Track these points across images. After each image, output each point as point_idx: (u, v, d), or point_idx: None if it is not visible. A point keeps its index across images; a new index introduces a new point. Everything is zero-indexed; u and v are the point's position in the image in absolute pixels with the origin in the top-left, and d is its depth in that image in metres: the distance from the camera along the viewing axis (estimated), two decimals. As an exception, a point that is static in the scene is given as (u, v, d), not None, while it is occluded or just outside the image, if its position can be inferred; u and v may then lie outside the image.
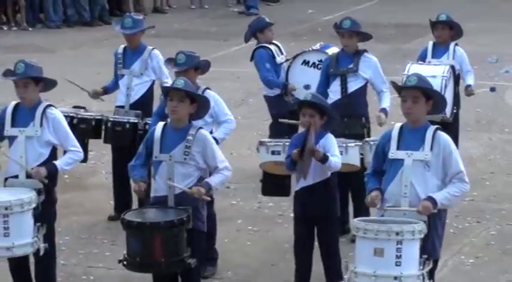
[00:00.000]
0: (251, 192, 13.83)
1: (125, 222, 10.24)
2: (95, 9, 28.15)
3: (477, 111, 17.35)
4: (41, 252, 10.54)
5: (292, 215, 12.16)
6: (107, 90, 14.22)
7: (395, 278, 9.60)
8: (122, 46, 14.25)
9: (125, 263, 10.31)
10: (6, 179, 10.84)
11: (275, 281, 12.29)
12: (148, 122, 13.39)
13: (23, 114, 10.83)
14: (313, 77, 13.98)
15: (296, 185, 11.66)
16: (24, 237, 10.44)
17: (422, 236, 9.64)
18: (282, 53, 15.32)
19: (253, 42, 15.65)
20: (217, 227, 12.56)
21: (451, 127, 14.15)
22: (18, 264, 10.86)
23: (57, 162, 10.78)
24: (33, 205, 10.42)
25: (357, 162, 12.17)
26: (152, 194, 10.61)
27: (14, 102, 10.91)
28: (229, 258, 12.70)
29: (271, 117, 15.37)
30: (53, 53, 22.98)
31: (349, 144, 12.19)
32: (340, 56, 13.64)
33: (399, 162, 9.90)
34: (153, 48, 14.15)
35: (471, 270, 12.60)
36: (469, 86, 15.15)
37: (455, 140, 14.28)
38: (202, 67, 12.31)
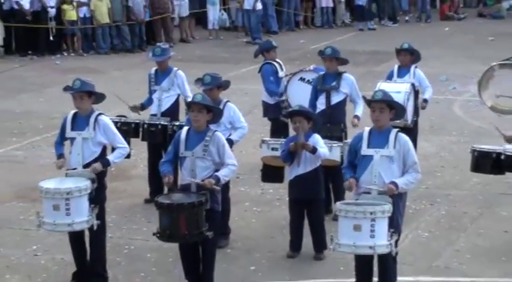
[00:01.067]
0: (255, 181, 13.87)
1: (157, 203, 10.38)
2: (135, 40, 28.08)
3: (431, 119, 17.40)
4: (94, 228, 10.63)
5: (287, 198, 12.27)
6: (143, 106, 14.29)
7: (370, 247, 9.73)
8: (154, 68, 14.37)
9: (157, 235, 10.40)
10: (67, 170, 10.91)
11: (274, 250, 12.24)
12: (176, 124, 13.60)
13: (80, 121, 10.89)
14: (307, 91, 14.01)
15: (290, 174, 11.88)
16: (81, 216, 10.51)
17: (389, 214, 9.74)
18: (282, 70, 15.41)
19: (257, 66, 15.65)
20: (231, 208, 12.61)
21: (412, 131, 14.24)
22: (76, 237, 10.92)
23: (110, 157, 10.90)
24: (88, 191, 10.52)
25: (338, 159, 12.33)
26: (179, 182, 10.72)
27: (72, 111, 10.98)
28: (238, 233, 12.77)
29: (269, 120, 15.50)
30: (102, 73, 22.97)
31: (333, 145, 12.44)
32: (325, 76, 13.72)
33: (369, 157, 10.03)
34: (178, 69, 14.26)
35: (426, 241, 12.67)
36: (425, 100, 15.16)
37: (415, 141, 14.46)
38: (225, 85, 12.39)
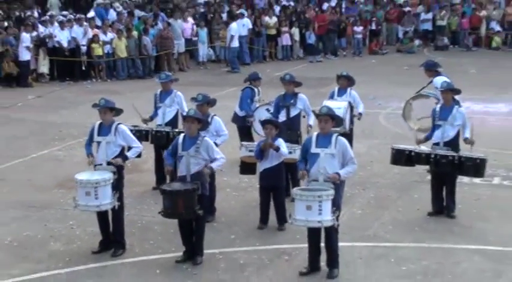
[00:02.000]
0: (234, 173, 13.80)
1: (161, 190, 10.57)
2: (145, 69, 28.02)
3: (363, 127, 17.35)
4: (116, 208, 10.84)
5: (258, 186, 12.23)
6: (152, 118, 14.24)
7: (319, 221, 9.82)
8: (159, 90, 14.31)
9: (161, 213, 10.53)
10: (95, 166, 11.06)
11: (248, 223, 12.24)
12: (176, 131, 13.63)
13: (104, 129, 11.02)
14: (267, 116, 14.06)
15: (260, 167, 11.93)
16: (106, 199, 10.71)
17: (332, 197, 9.78)
18: (259, 95, 15.45)
19: (235, 88, 15.60)
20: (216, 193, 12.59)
21: (349, 136, 14.27)
22: (102, 215, 11.03)
23: (128, 154, 11.09)
24: (111, 181, 10.71)
25: (298, 157, 12.26)
26: (178, 175, 10.72)
27: (98, 122, 11.13)
28: (222, 211, 12.75)
29: (236, 126, 15.52)
30: (121, 94, 22.82)
31: (295, 148, 12.42)
32: (285, 95, 13.77)
33: (317, 155, 10.08)
34: (177, 91, 14.22)
35: (359, 217, 12.69)
36: (360, 113, 15.16)
37: (351, 142, 14.43)
38: (212, 102, 12.42)
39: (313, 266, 10.26)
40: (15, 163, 16.18)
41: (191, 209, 10.31)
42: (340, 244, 10.29)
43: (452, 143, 12.38)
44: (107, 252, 10.97)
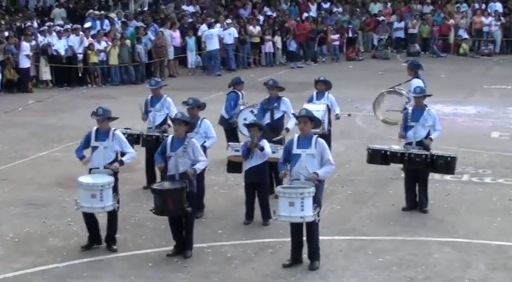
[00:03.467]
0: (222, 172, 13.79)
1: (152, 189, 10.55)
2: (138, 75, 27.90)
3: (341, 128, 17.34)
4: (116, 209, 10.85)
5: (243, 183, 12.17)
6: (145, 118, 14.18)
7: (301, 217, 9.85)
8: (150, 95, 14.30)
9: (153, 211, 10.46)
10: (91, 169, 10.96)
11: (235, 219, 12.25)
12: (165, 135, 13.43)
13: (101, 134, 10.94)
14: (251, 117, 14.03)
15: (245, 166, 11.89)
16: (109, 201, 10.68)
17: (313, 194, 9.76)
18: (242, 98, 15.32)
19: (221, 93, 15.55)
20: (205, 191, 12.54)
21: (328, 137, 14.25)
22: (90, 215, 10.86)
23: (123, 159, 11.01)
24: (113, 184, 10.69)
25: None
26: (167, 174, 10.67)
27: (95, 127, 11.06)
28: (210, 207, 12.73)
29: (223, 128, 15.38)
30: (115, 99, 22.76)
31: (279, 148, 12.35)
32: (269, 99, 13.81)
33: (298, 155, 10.08)
34: (167, 96, 14.23)
35: (338, 212, 12.71)
36: (336, 115, 15.17)
37: (329, 143, 14.40)
38: (202, 106, 12.42)
39: (296, 259, 10.23)
40: (17, 163, 16.10)
41: (180, 206, 10.28)
42: (320, 237, 10.28)
43: (424, 143, 12.43)
44: (99, 247, 10.92)
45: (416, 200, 12.59)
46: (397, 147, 12.71)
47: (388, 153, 12.58)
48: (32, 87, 25.99)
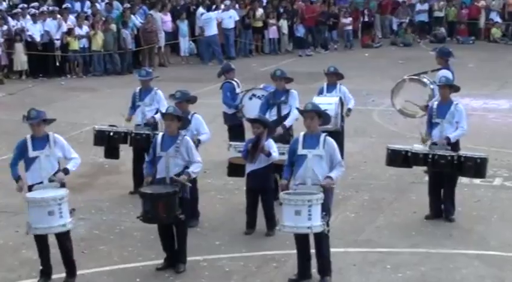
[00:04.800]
0: (220, 175, 13.81)
1: (140, 193, 10.44)
2: (124, 64, 27.95)
3: (356, 124, 17.39)
4: (71, 227, 10.10)
5: (244, 188, 12.20)
6: (130, 119, 14.20)
7: (308, 227, 9.77)
8: (138, 88, 14.30)
9: (141, 218, 10.43)
10: (32, 186, 10.16)
11: (234, 228, 12.25)
12: (156, 133, 13.35)
13: (38, 141, 10.24)
14: (257, 104, 14.01)
15: (247, 169, 11.84)
16: (68, 217, 9.94)
17: (322, 201, 9.76)
18: (239, 87, 15.31)
19: (217, 84, 15.61)
20: (199, 196, 12.55)
21: (340, 134, 14.31)
22: (43, 238, 10.14)
23: (68, 167, 10.27)
24: (67, 197, 9.99)
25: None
26: (157, 176, 10.61)
27: (28, 135, 10.35)
28: (206, 215, 12.75)
29: (227, 126, 15.37)
30: (98, 91, 22.81)
31: (287, 149, 12.25)
32: (276, 92, 13.78)
33: (304, 156, 10.03)
34: (157, 89, 14.21)
35: (352, 220, 12.70)
36: (349, 109, 15.20)
37: (342, 141, 14.52)
38: (192, 100, 12.39)
39: (303, 274, 10.22)
40: (-15, 165, 16.08)
41: (172, 213, 10.25)
42: (332, 250, 10.27)
43: (452, 142, 12.40)
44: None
45: (441, 208, 12.59)
46: (420, 147, 12.67)
47: (409, 154, 12.50)
48: (3, 78, 26.03)
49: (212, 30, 29.52)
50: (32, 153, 10.19)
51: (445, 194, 12.55)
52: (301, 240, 10.16)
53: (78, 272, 10.49)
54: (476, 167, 12.19)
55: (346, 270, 10.62)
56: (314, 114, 10.06)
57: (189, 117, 12.01)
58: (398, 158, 12.69)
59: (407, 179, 14.48)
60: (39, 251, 10.22)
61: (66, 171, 10.26)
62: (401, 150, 12.65)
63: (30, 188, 10.19)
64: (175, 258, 10.65)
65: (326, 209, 9.90)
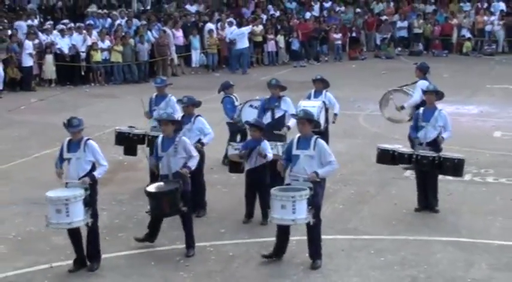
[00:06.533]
0: (224, 171, 13.75)
1: (146, 192, 10.45)
2: (140, 74, 27.94)
3: (344, 127, 17.37)
4: (89, 224, 10.01)
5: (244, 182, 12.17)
6: (150, 115, 14.09)
7: (293, 220, 9.87)
8: (154, 94, 14.24)
9: (148, 213, 10.57)
10: (67, 183, 10.14)
11: (237, 218, 12.19)
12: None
13: (73, 145, 10.20)
14: (254, 113, 14.00)
15: (246, 167, 11.84)
16: (78, 216, 9.80)
17: (307, 197, 9.82)
18: (237, 100, 15.34)
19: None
20: (207, 189, 12.57)
21: (324, 134, 14.39)
22: (74, 232, 10.14)
23: (95, 173, 10.08)
24: (83, 197, 9.83)
25: (281, 154, 12.23)
26: (160, 173, 10.66)
27: (67, 138, 10.35)
28: (212, 206, 12.72)
29: (229, 130, 15.30)
30: (118, 98, 22.78)
31: (278, 145, 12.47)
32: (271, 99, 13.75)
33: (298, 156, 10.11)
34: (171, 95, 14.11)
35: (341, 211, 12.73)
36: (335, 114, 15.23)
37: (327, 141, 14.58)
38: (197, 104, 12.40)
39: (277, 253, 10.38)
40: (19, 162, 16.11)
41: (175, 207, 10.26)
42: (323, 237, 10.27)
43: (434, 144, 12.40)
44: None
45: (428, 201, 12.55)
46: (399, 146, 12.70)
47: (396, 153, 12.51)
48: (35, 85, 26.03)
49: (244, 44, 29.72)
50: (66, 154, 10.20)
51: (429, 188, 12.50)
52: (281, 231, 10.28)
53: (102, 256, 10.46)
54: (455, 167, 12.16)
55: (335, 255, 10.62)
56: (305, 121, 10.16)
57: (193, 119, 12.24)
58: (387, 157, 12.67)
59: (388, 175, 14.45)
60: (71, 241, 10.21)
61: (92, 177, 10.03)
62: (389, 150, 12.65)
63: (66, 185, 10.17)
64: (186, 244, 10.67)
65: (315, 204, 9.94)
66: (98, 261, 10.27)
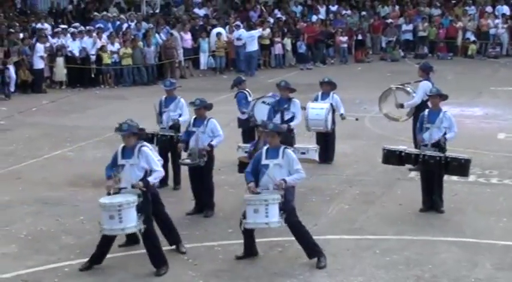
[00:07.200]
0: (232, 172, 13.81)
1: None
2: (149, 76, 28.00)
3: (349, 128, 17.31)
4: (142, 231, 9.81)
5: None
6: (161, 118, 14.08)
7: (266, 223, 9.90)
8: (164, 96, 14.25)
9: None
10: (120, 189, 9.94)
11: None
12: (179, 135, 13.43)
13: (127, 151, 10.00)
14: (267, 109, 14.06)
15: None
16: (131, 222, 9.66)
17: (279, 201, 9.87)
18: (250, 96, 15.38)
19: (231, 94, 15.58)
20: (215, 190, 12.63)
21: (331, 135, 14.38)
22: (108, 238, 10.04)
23: (150, 178, 9.90)
24: (136, 203, 9.67)
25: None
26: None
27: (121, 145, 10.09)
28: (220, 206, 12.72)
29: (241, 130, 15.35)
30: (127, 99, 22.81)
31: (310, 149, 12.80)
32: (280, 101, 13.86)
33: (267, 165, 10.19)
34: (181, 97, 14.14)
35: (346, 211, 12.66)
36: (341, 114, 15.28)
37: (333, 142, 14.68)
38: (209, 107, 12.44)
39: (249, 253, 10.45)
40: (30, 163, 16.15)
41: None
42: (329, 236, 10.34)
43: (439, 145, 12.38)
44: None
45: (433, 201, 12.52)
46: (405, 148, 12.68)
47: (403, 154, 12.47)
48: (46, 88, 26.13)
49: (254, 46, 29.86)
50: (120, 161, 10.00)
51: (435, 189, 12.47)
52: (247, 234, 10.33)
53: (109, 255, 10.29)
54: (461, 167, 12.12)
55: (341, 254, 10.60)
56: (275, 133, 10.27)
57: (205, 121, 12.25)
58: (394, 157, 12.62)
59: (393, 176, 14.43)
60: (100, 245, 10.07)
61: (145, 182, 9.82)
62: (396, 151, 12.61)
63: (119, 191, 9.97)
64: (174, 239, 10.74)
65: (287, 206, 9.97)
66: (164, 265, 10.08)
